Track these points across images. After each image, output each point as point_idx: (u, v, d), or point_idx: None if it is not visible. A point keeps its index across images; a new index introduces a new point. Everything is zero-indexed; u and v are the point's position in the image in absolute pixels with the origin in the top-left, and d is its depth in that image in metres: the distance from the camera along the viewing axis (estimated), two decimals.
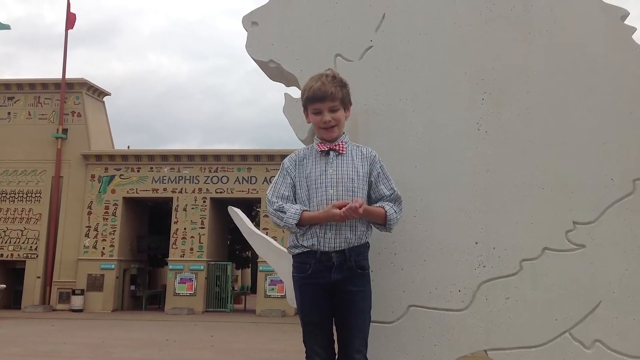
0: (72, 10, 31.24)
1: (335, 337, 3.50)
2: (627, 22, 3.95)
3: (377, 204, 3.49)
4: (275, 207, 3.47)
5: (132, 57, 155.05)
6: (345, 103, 3.58)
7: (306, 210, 3.42)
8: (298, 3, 4.17)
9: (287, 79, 4.25)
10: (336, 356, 3.47)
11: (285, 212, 3.42)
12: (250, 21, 4.18)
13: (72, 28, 31.42)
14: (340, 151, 3.52)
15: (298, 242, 3.48)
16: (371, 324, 3.52)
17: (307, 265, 3.44)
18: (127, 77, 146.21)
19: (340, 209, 3.29)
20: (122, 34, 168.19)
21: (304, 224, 3.41)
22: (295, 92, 4.15)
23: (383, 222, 3.47)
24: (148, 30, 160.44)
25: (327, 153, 3.53)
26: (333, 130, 3.52)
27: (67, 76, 30.99)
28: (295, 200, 3.53)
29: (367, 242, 3.55)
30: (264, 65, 4.22)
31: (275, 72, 4.23)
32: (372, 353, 3.48)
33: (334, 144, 3.53)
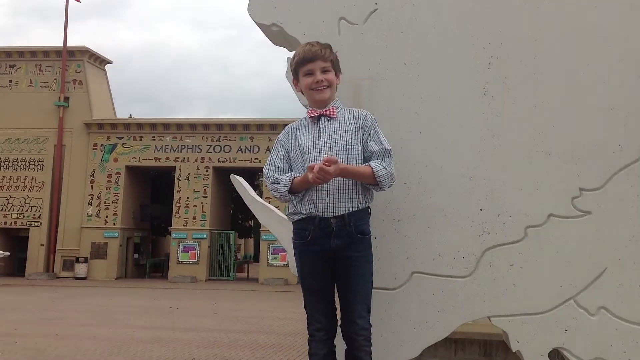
0: None
1: (337, 304, 3.49)
2: None
3: (365, 164, 3.42)
4: (271, 180, 3.48)
5: (141, 28, 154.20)
6: (336, 68, 3.56)
7: (297, 177, 3.39)
8: None
9: (290, 43, 4.18)
10: (338, 322, 3.47)
11: (279, 183, 3.41)
12: None
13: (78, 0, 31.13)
14: (332, 115, 3.48)
15: (297, 208, 3.46)
16: (375, 290, 3.51)
17: (307, 232, 3.42)
18: (136, 48, 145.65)
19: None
20: (133, 6, 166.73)
21: (295, 189, 3.39)
22: None
23: (374, 182, 3.38)
24: (158, 2, 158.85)
25: (317, 119, 3.50)
26: (325, 92, 3.49)
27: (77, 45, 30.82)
28: (291, 170, 3.50)
29: (368, 207, 3.51)
30: (266, 29, 4.15)
31: (278, 36, 4.16)
32: (375, 319, 3.47)
33: (324, 109, 3.49)
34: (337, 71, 3.58)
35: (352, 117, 3.52)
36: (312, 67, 3.49)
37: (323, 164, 3.15)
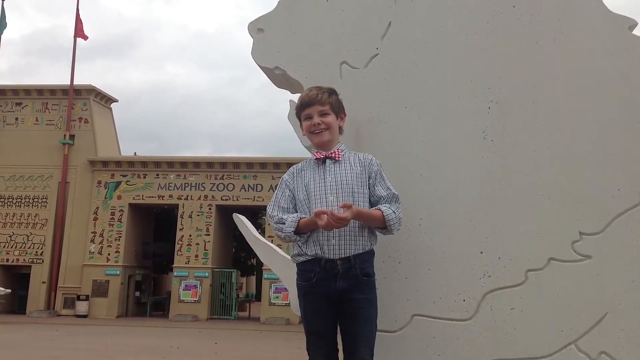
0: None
1: (340, 346, 3.47)
2: (635, 32, 3.93)
3: (374, 207, 3.46)
4: (275, 220, 3.49)
5: (149, 68, 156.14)
6: (336, 110, 3.61)
7: (303, 218, 3.41)
8: (304, 10, 4.17)
9: (293, 86, 4.24)
10: None
11: (284, 223, 3.42)
12: (256, 28, 4.18)
13: (83, 38, 31.56)
14: (337, 158, 3.52)
15: (302, 250, 3.46)
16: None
17: (312, 273, 3.41)
18: (144, 87, 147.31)
19: (323, 215, 3.22)
20: (141, 46, 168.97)
21: (301, 231, 3.40)
22: None
23: (383, 225, 3.43)
24: (167, 43, 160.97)
25: (323, 161, 3.54)
26: (323, 135, 3.54)
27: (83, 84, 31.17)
28: (296, 211, 3.52)
29: (372, 250, 3.52)
30: (269, 72, 4.22)
31: (281, 78, 4.23)
32: None
33: (329, 152, 3.54)
34: (339, 114, 3.63)
35: (357, 161, 3.56)
36: (310, 111, 3.56)
37: (339, 210, 3.21)
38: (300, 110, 3.63)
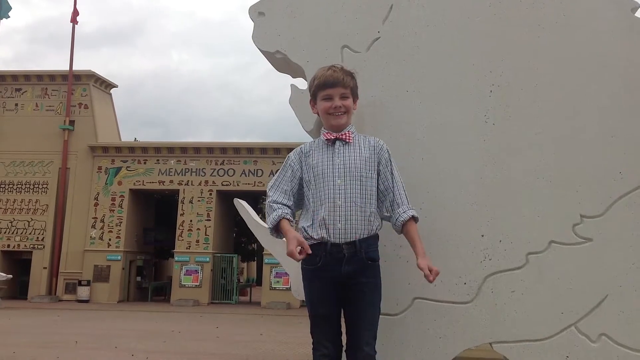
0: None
1: (343, 329, 3.48)
2: (638, 14, 3.91)
3: (399, 216, 3.48)
4: (269, 200, 3.52)
5: (155, 54, 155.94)
6: (354, 94, 3.59)
7: (289, 220, 3.44)
8: None
9: (294, 70, 4.23)
10: (343, 348, 3.46)
11: (273, 212, 3.47)
12: (257, 11, 4.17)
13: (76, 22, 31.42)
14: (347, 140, 3.51)
15: (307, 233, 3.45)
16: None
17: (318, 257, 3.41)
18: (149, 74, 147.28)
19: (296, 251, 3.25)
20: (146, 33, 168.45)
21: (278, 230, 3.45)
22: (302, 84, 4.14)
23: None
24: (173, 30, 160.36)
25: (333, 142, 3.52)
26: (342, 117, 3.52)
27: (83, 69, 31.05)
28: (297, 193, 3.55)
29: (377, 234, 3.53)
30: (270, 56, 4.20)
31: (282, 63, 4.22)
32: (377, 345, 3.46)
33: (340, 133, 3.52)
34: (356, 96, 3.63)
35: (367, 144, 3.55)
36: (332, 92, 3.52)
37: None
38: (320, 89, 3.55)
